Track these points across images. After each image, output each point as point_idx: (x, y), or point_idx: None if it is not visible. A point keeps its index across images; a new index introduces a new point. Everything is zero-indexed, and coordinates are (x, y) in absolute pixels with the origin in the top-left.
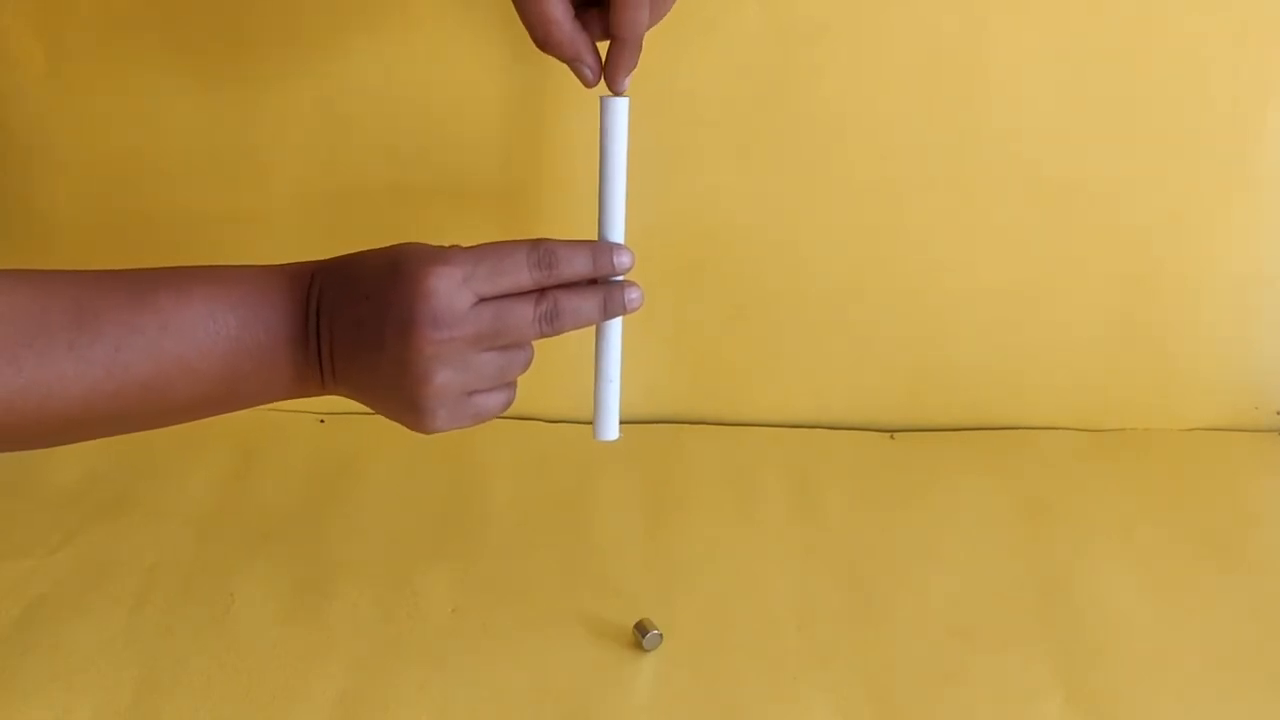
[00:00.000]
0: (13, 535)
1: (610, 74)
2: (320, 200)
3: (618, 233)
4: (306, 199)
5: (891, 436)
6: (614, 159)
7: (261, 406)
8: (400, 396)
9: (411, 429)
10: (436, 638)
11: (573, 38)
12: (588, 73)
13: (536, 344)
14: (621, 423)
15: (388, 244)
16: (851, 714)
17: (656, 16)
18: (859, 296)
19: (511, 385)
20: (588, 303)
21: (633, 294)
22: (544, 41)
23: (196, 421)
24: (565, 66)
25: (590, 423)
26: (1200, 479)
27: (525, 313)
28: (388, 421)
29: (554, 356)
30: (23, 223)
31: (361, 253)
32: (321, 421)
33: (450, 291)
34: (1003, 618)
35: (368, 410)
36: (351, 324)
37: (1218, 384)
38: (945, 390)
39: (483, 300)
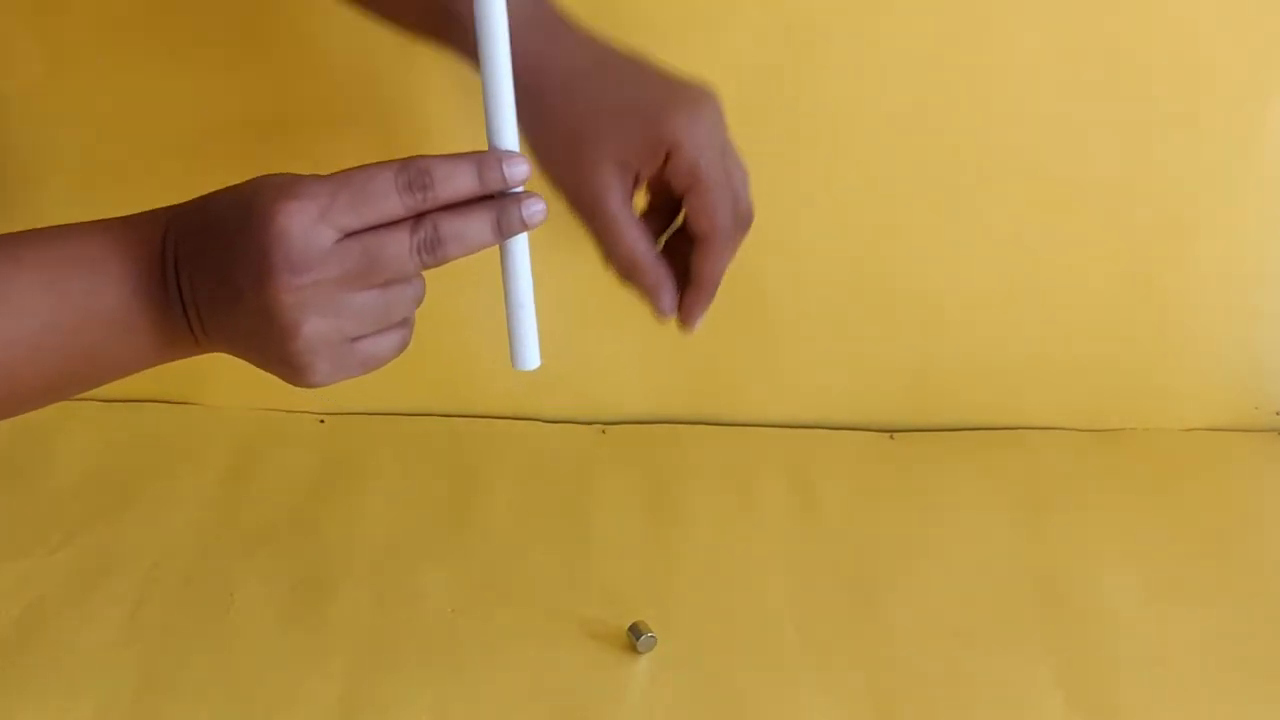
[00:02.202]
0: (13, 535)
1: (686, 313)
2: None
3: (508, 138)
4: None
5: (891, 436)
6: (494, 54)
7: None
8: (271, 351)
9: (293, 384)
10: (436, 638)
11: (657, 269)
12: (666, 306)
13: (541, 339)
14: (622, 423)
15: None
16: (851, 714)
17: (717, 281)
18: (859, 296)
19: (404, 324)
20: (476, 223)
21: (533, 207)
22: (629, 275)
23: (196, 421)
24: None
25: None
26: (1200, 479)
27: (400, 243)
28: (388, 421)
29: (554, 356)
30: (22, 223)
31: (215, 193)
32: (321, 422)
33: (306, 229)
34: (1003, 618)
35: (368, 410)
36: (210, 274)
37: (1218, 384)
38: (945, 390)
39: (348, 235)
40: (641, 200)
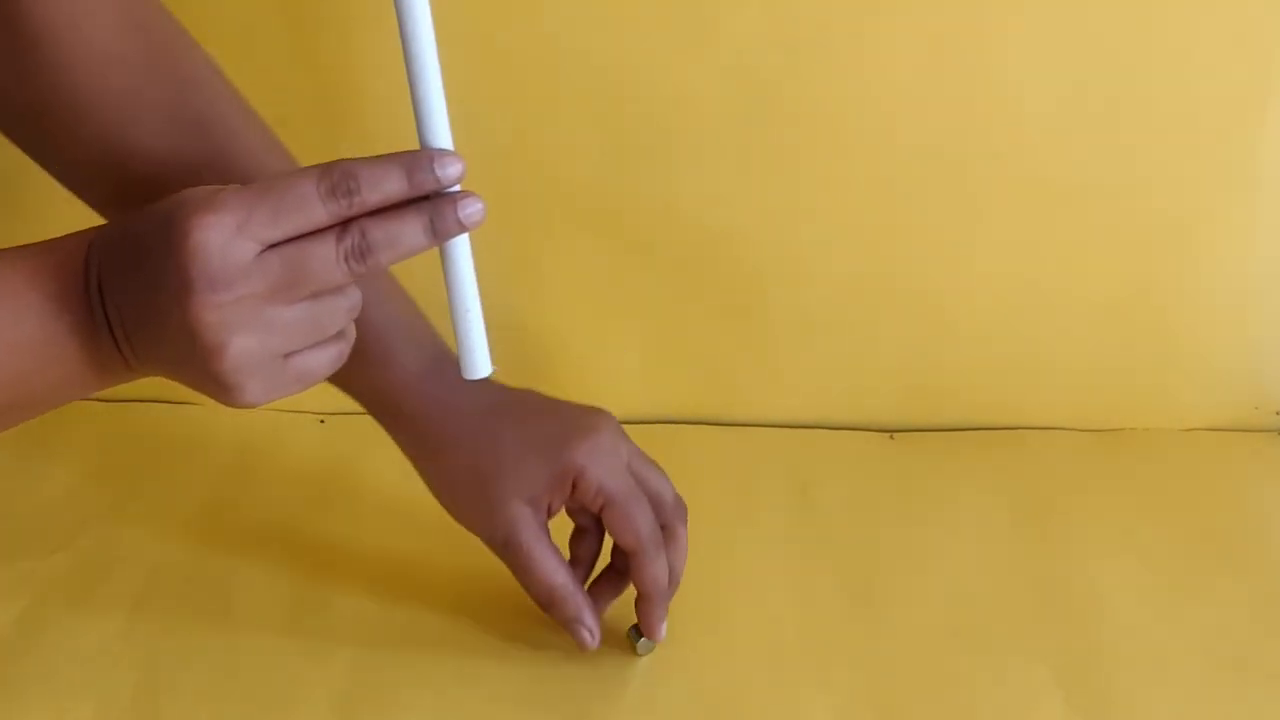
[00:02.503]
0: (13, 535)
1: (647, 628)
2: None
3: (441, 136)
4: None
5: (891, 436)
6: (419, 46)
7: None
8: (200, 372)
9: (226, 405)
10: (436, 638)
11: (575, 599)
12: (588, 637)
13: (534, 344)
14: (622, 423)
15: None
16: (851, 714)
17: (672, 585)
18: (859, 296)
19: (339, 337)
20: (407, 227)
21: (469, 207)
22: (548, 607)
23: (196, 421)
24: (567, 69)
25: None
26: (1200, 479)
27: (325, 252)
28: None
29: (554, 356)
30: (22, 222)
31: (138, 210)
32: (321, 422)
33: (224, 244)
34: (1002, 618)
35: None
36: (134, 296)
37: (1218, 384)
38: (945, 390)
39: (270, 247)
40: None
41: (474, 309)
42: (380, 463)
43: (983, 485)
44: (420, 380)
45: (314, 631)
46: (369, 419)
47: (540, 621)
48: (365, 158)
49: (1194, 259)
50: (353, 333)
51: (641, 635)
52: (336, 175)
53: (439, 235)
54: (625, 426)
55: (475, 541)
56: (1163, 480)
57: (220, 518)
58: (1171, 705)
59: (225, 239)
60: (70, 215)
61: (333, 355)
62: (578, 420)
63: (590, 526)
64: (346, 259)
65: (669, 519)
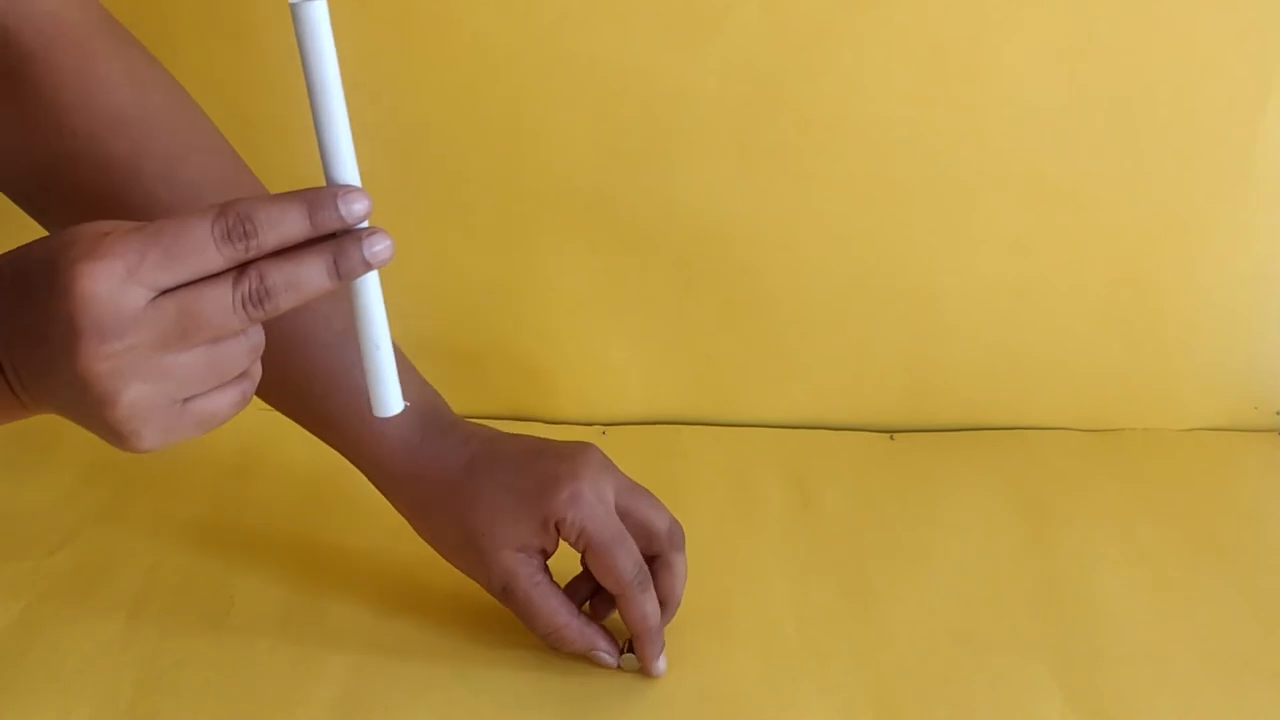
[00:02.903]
0: (13, 535)
1: (644, 662)
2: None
3: (347, 171)
4: None
5: (891, 437)
6: (323, 81)
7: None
8: (94, 421)
9: (124, 450)
10: (436, 638)
11: (583, 633)
12: (607, 658)
13: (534, 344)
14: (622, 423)
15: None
16: (851, 714)
17: (669, 611)
18: (859, 296)
19: (243, 377)
20: (309, 269)
21: (376, 245)
22: (557, 645)
23: None
24: (567, 69)
25: None
26: (1200, 479)
27: (220, 299)
28: None
29: (554, 358)
30: (22, 222)
31: (24, 247)
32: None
33: (112, 292)
34: (1002, 618)
35: None
36: (23, 338)
37: (1218, 384)
38: (945, 390)
39: (163, 293)
40: None
41: (384, 345)
42: None
43: (983, 485)
44: (406, 444)
45: (313, 633)
46: None
47: None
48: (264, 196)
49: (1194, 259)
50: (257, 371)
51: (624, 653)
52: (232, 217)
53: (343, 276)
54: (625, 427)
55: None
56: (1163, 480)
57: (219, 518)
58: (1171, 705)
59: (115, 286)
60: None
61: (234, 398)
62: (558, 466)
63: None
64: (244, 304)
65: (662, 548)
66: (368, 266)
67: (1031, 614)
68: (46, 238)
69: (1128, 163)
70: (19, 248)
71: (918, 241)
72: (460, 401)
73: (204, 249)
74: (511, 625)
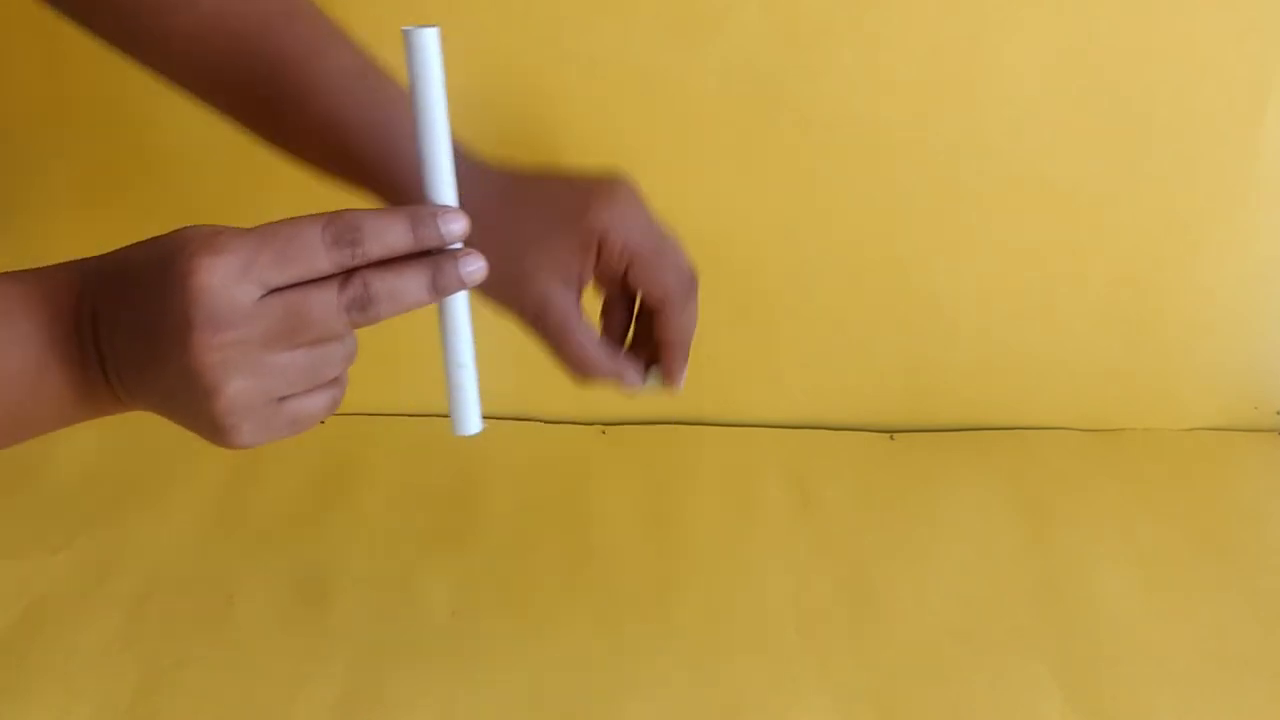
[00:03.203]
0: (13, 535)
1: (670, 375)
2: (320, 199)
3: (446, 193)
4: (307, 198)
5: (891, 437)
6: (430, 104)
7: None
8: (193, 413)
9: (219, 446)
10: (436, 638)
11: (611, 367)
12: (635, 379)
13: (534, 344)
14: (622, 423)
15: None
16: (851, 714)
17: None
18: (859, 296)
19: (335, 383)
20: (410, 282)
21: (470, 265)
22: (584, 373)
23: None
24: (567, 70)
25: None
26: (1200, 479)
27: (327, 301)
28: (388, 421)
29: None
30: (23, 222)
31: (133, 246)
32: (322, 422)
33: (227, 286)
34: (1002, 618)
35: (368, 410)
36: (129, 332)
37: (1218, 384)
38: (945, 390)
39: (272, 291)
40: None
41: (468, 365)
42: (380, 463)
43: (983, 485)
44: None
45: (314, 632)
46: (369, 419)
47: (540, 623)
48: (371, 209)
49: (1194, 259)
50: (345, 379)
51: (657, 374)
52: (341, 225)
53: (440, 291)
54: (625, 427)
55: (475, 542)
56: (1163, 480)
57: (220, 518)
58: (1171, 705)
59: (230, 281)
60: (71, 219)
61: (326, 401)
62: (595, 188)
63: (618, 296)
64: (348, 309)
65: (688, 287)
66: (462, 284)
67: (1031, 614)
68: (155, 239)
69: (1128, 163)
70: (119, 250)
71: (918, 242)
72: None
73: (314, 252)
74: (512, 625)
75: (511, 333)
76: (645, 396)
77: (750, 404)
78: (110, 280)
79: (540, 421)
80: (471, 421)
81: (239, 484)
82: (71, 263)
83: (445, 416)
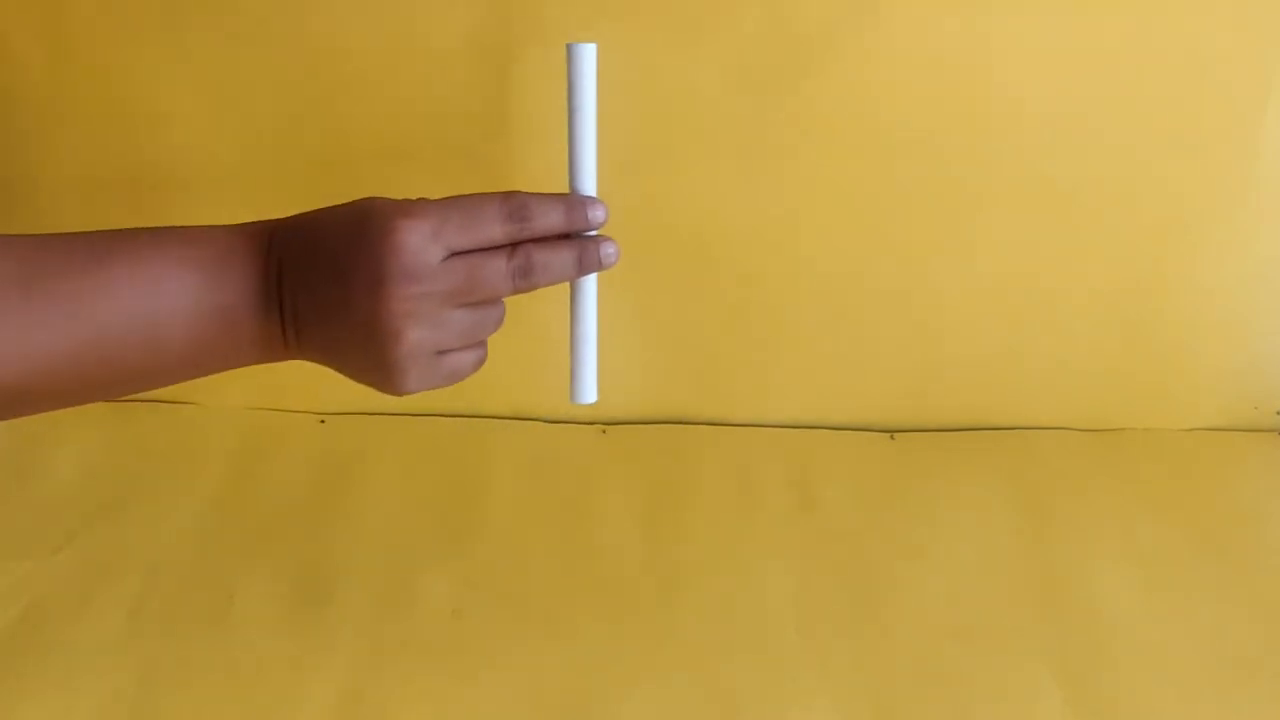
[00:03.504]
0: (13, 535)
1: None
2: (319, 199)
3: (590, 186)
4: (306, 198)
5: (891, 436)
6: (583, 109)
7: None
8: (370, 357)
9: (381, 390)
10: (436, 638)
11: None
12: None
13: (534, 344)
14: (622, 423)
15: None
16: (851, 714)
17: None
18: (859, 296)
19: (483, 344)
20: (562, 257)
21: (608, 249)
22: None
23: (196, 421)
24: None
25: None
26: (1200, 479)
27: (498, 267)
28: (388, 421)
29: (554, 358)
30: (24, 222)
31: (322, 210)
32: (321, 422)
33: (421, 245)
34: (1002, 618)
35: (368, 410)
36: (316, 284)
37: (1218, 384)
38: (945, 390)
39: (454, 254)
40: None
41: (591, 340)
42: (380, 463)
43: (983, 485)
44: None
45: (314, 631)
46: (369, 419)
47: (540, 623)
48: (536, 193)
49: (1194, 259)
50: (487, 346)
51: None
52: (515, 203)
53: (583, 268)
54: (625, 427)
55: (475, 542)
56: (1163, 480)
57: (220, 518)
58: (1171, 705)
59: (422, 241)
60: (72, 219)
61: (475, 359)
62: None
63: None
64: (513, 276)
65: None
66: (600, 265)
67: (1031, 613)
68: (340, 205)
69: (1128, 163)
70: (307, 214)
71: (918, 241)
72: (460, 400)
73: (491, 224)
74: (512, 625)
75: (512, 333)
76: None
77: (750, 404)
78: (297, 236)
79: (540, 421)
80: (590, 390)
81: (239, 484)
82: (260, 222)
83: (446, 416)
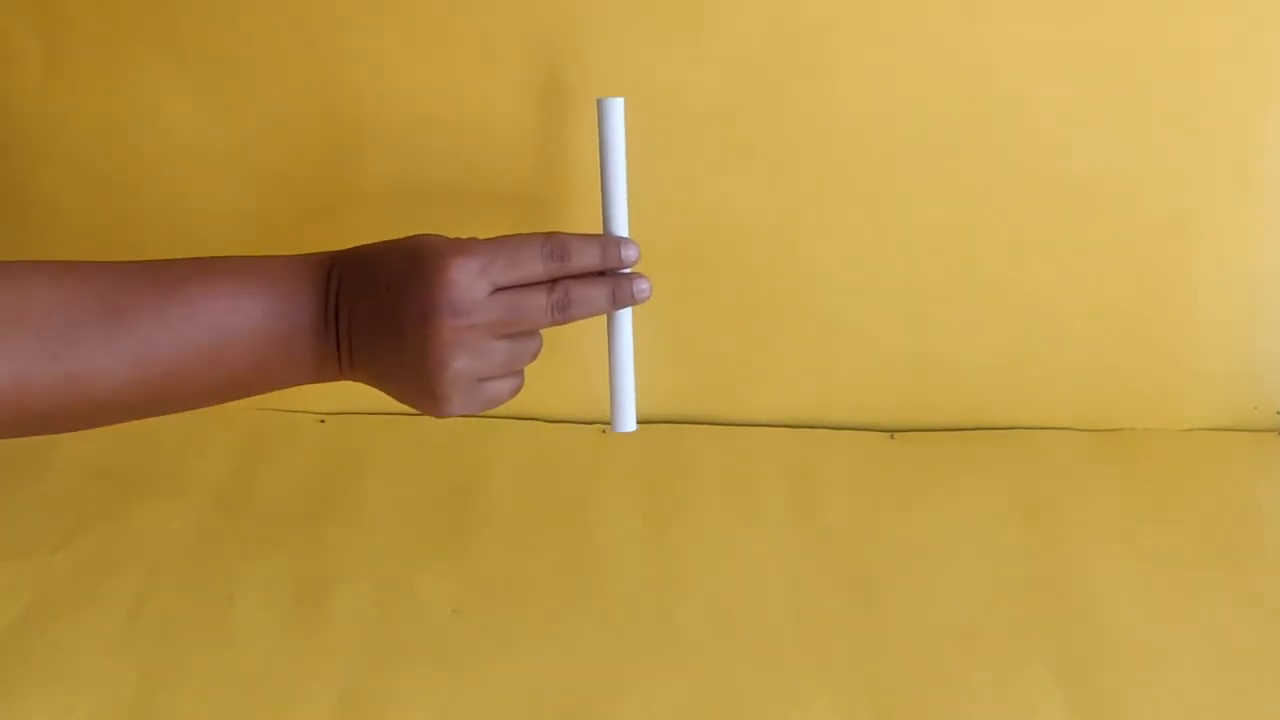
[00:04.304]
0: (13, 535)
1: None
2: (319, 199)
3: (622, 228)
4: (305, 198)
5: (891, 436)
6: (613, 158)
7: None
8: (417, 382)
9: (425, 413)
10: (436, 638)
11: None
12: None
13: (545, 343)
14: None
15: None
16: (851, 714)
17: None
18: (859, 296)
19: (520, 373)
20: (598, 292)
21: (641, 285)
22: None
23: (196, 421)
24: (565, 69)
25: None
26: (1200, 479)
27: (539, 301)
28: (388, 421)
29: (553, 357)
30: (24, 221)
31: (379, 244)
32: (322, 422)
33: (469, 281)
34: (1002, 618)
35: (368, 410)
36: (371, 312)
37: (1218, 384)
38: (945, 390)
39: (499, 290)
40: None
41: (629, 370)
42: (380, 463)
43: (983, 485)
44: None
45: (314, 631)
46: (369, 419)
47: (540, 623)
48: (574, 234)
49: (1194, 259)
50: (524, 374)
51: None
52: (555, 242)
53: (618, 303)
54: None
55: (475, 542)
56: (1163, 480)
57: (220, 518)
58: (1171, 705)
59: (471, 277)
60: (72, 219)
61: (512, 386)
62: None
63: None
64: (552, 310)
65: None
66: (634, 300)
67: (1031, 613)
68: (395, 240)
69: (1128, 163)
70: (361, 247)
71: (918, 242)
72: None
73: (534, 262)
74: (512, 625)
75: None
76: None
77: (750, 404)
78: (358, 267)
79: (540, 421)
80: (630, 419)
81: (239, 484)
82: (320, 253)
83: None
